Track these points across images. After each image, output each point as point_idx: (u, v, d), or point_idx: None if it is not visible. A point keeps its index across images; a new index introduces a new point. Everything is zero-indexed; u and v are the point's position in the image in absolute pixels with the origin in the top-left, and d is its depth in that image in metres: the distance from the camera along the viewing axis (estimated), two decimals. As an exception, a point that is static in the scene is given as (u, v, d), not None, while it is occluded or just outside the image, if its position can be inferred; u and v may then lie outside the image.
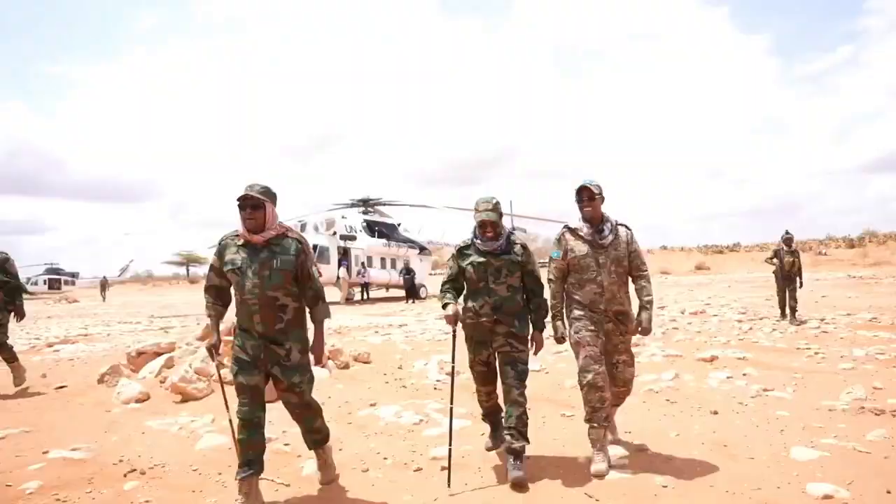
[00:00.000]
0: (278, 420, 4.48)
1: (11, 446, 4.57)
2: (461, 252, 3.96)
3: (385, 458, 4.23)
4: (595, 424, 3.79)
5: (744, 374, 6.50)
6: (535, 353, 4.00)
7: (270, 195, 3.45)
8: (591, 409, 3.79)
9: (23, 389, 6.61)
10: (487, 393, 4.08)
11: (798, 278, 11.54)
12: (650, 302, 3.92)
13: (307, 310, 3.60)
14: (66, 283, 50.66)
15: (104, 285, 38.16)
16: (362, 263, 24.59)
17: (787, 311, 11.40)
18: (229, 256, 3.43)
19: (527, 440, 3.74)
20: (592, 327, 3.83)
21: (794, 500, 3.30)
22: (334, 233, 23.58)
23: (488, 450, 4.15)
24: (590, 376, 3.77)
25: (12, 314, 6.81)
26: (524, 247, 3.92)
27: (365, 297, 24.97)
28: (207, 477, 3.94)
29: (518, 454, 3.67)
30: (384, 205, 27.47)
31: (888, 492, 3.35)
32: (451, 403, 3.85)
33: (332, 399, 5.85)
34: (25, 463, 4.15)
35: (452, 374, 3.95)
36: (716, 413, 5.00)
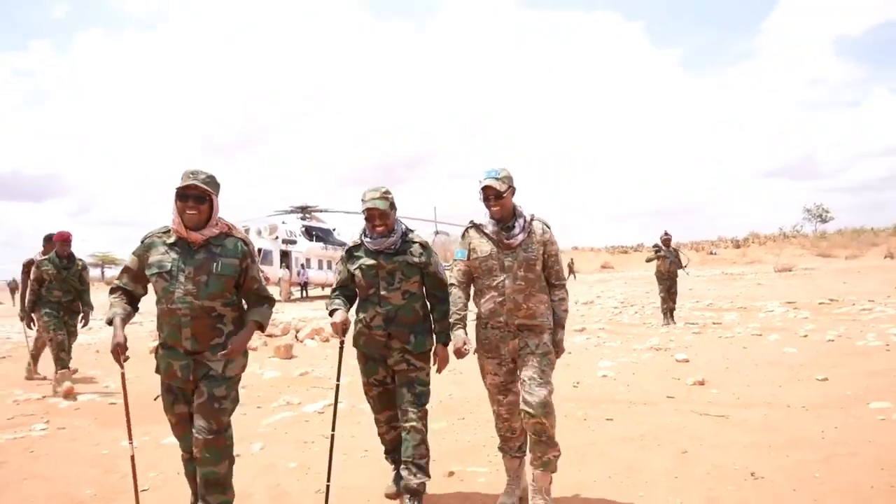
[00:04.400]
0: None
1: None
2: (350, 254, 3.42)
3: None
4: (507, 454, 3.33)
5: (598, 337, 9.71)
6: (439, 371, 3.41)
7: (215, 185, 2.90)
8: (501, 437, 3.33)
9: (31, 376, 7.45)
10: (387, 422, 3.45)
11: (675, 279, 11.54)
12: (565, 317, 3.31)
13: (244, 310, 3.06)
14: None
15: (14, 289, 31.97)
16: (302, 265, 26.90)
17: (669, 314, 11.34)
18: (155, 257, 2.87)
19: (427, 475, 3.23)
20: (493, 353, 3.24)
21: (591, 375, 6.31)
22: (276, 237, 25.79)
23: (388, 496, 3.46)
24: (495, 407, 3.30)
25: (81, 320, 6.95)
26: (424, 245, 3.37)
27: (304, 295, 27.28)
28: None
29: (416, 493, 3.18)
30: (320, 211, 29.86)
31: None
32: (333, 430, 3.20)
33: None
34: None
35: (336, 396, 3.27)
36: (569, 353, 8.08)
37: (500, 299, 3.19)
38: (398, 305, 3.29)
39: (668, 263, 11.46)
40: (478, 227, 3.32)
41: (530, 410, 3.02)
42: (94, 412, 5.84)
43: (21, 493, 3.78)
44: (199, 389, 2.85)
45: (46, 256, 6.77)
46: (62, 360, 6.61)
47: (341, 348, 3.39)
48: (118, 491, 3.71)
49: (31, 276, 6.80)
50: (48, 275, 6.69)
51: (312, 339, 9.76)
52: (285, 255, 26.08)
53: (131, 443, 2.89)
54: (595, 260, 52.34)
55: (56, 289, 6.72)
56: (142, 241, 2.97)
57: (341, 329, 3.21)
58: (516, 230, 3.21)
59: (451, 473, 3.83)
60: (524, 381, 3.11)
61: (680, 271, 11.77)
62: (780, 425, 4.47)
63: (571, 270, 36.21)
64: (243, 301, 3.06)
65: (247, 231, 25.89)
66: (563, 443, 3.18)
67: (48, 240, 6.98)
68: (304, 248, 27.23)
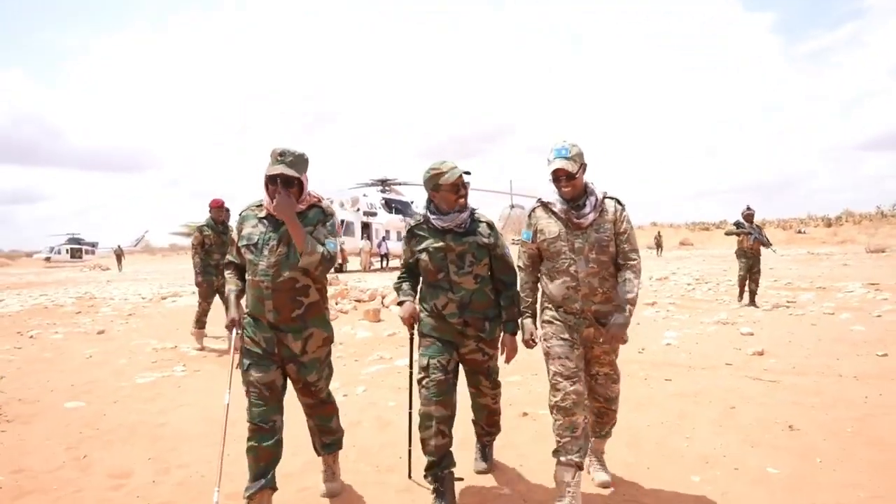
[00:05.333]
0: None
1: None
2: (413, 233, 3.21)
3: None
4: (562, 459, 2.90)
5: (667, 310, 10.08)
6: (507, 362, 3.24)
7: (304, 164, 2.90)
8: (558, 438, 2.93)
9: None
10: (439, 421, 3.02)
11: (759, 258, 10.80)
12: (632, 300, 2.98)
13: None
14: (87, 252, 53.90)
15: (119, 255, 39.72)
16: (382, 237, 28.07)
17: (747, 293, 10.70)
18: (247, 230, 2.96)
19: (499, 429, 3.55)
20: (565, 334, 3.01)
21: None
22: (358, 209, 27.02)
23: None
24: (558, 397, 2.94)
25: None
26: (491, 225, 3.17)
27: (384, 265, 28.50)
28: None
29: (487, 444, 3.53)
30: (399, 184, 30.89)
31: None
32: (410, 408, 3.38)
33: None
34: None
35: (410, 387, 3.31)
36: (637, 324, 8.55)
37: (574, 284, 2.98)
38: (471, 290, 3.10)
39: (751, 240, 10.66)
40: (545, 206, 3.10)
41: (603, 402, 3.19)
42: (223, 360, 6.89)
43: (179, 416, 4.74)
44: (292, 376, 3.01)
45: (206, 222, 7.30)
46: (201, 322, 7.47)
47: (412, 340, 3.33)
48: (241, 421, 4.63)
49: (193, 241, 7.41)
50: (209, 239, 7.26)
51: (397, 305, 10.63)
52: (366, 227, 27.29)
53: (229, 392, 3.03)
54: (675, 236, 51.25)
55: (215, 252, 7.27)
56: (239, 215, 3.09)
57: (410, 323, 3.18)
58: (587, 209, 2.99)
59: (525, 414, 4.52)
60: (600, 376, 3.13)
61: (765, 250, 10.88)
62: (827, 390, 4.88)
63: (659, 245, 35.91)
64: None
65: (329, 203, 27.32)
66: (623, 396, 3.50)
67: (211, 206, 7.43)
68: (384, 220, 28.37)
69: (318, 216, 2.97)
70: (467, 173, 3.13)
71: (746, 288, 10.74)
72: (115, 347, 7.66)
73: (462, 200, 3.10)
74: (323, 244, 2.88)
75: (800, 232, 47.88)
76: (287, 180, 2.86)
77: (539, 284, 3.19)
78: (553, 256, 3.05)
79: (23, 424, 4.48)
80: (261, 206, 3.01)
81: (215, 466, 3.13)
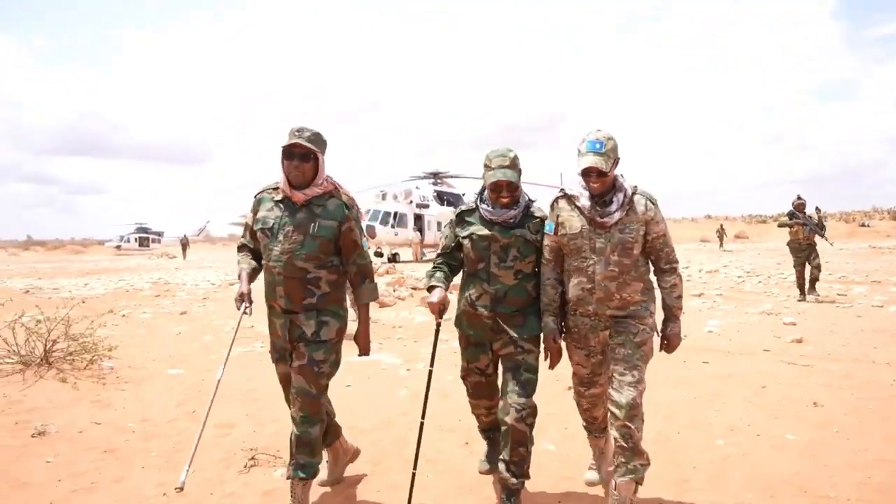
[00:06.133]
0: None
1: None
2: (461, 217, 3.10)
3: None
4: (591, 434, 3.22)
5: (713, 301, 10.34)
6: (552, 367, 3.06)
7: (321, 143, 2.89)
8: (585, 421, 3.18)
9: None
10: (487, 408, 3.27)
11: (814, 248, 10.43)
12: (680, 307, 2.94)
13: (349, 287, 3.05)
14: (154, 240, 56.64)
15: (185, 245, 40.80)
16: (434, 228, 28.79)
17: (807, 286, 10.28)
18: (262, 213, 2.93)
19: (527, 475, 2.99)
20: (582, 343, 2.95)
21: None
22: (410, 201, 27.77)
23: (482, 472, 3.39)
24: (575, 398, 3.13)
25: None
26: (545, 221, 3.01)
27: (436, 256, 29.27)
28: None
29: (514, 493, 2.98)
30: (451, 177, 31.49)
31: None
32: (423, 418, 3.02)
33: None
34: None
35: (429, 383, 3.06)
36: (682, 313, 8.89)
37: (589, 286, 2.82)
38: (508, 286, 2.96)
39: (806, 230, 10.29)
40: (569, 199, 2.90)
41: (616, 411, 2.71)
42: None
43: (265, 382, 5.42)
44: (299, 350, 2.87)
45: None
46: None
47: (437, 331, 3.05)
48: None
49: None
50: None
51: (451, 293, 11.27)
52: (418, 219, 28.01)
53: (224, 367, 3.01)
54: (730, 229, 50.14)
55: None
56: (254, 197, 3.04)
57: (438, 310, 2.97)
58: (613, 207, 2.79)
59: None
60: (613, 376, 2.80)
61: (820, 240, 10.54)
62: (857, 374, 5.20)
63: (721, 237, 35.28)
64: (344, 264, 3.01)
65: (384, 196, 28.18)
66: (660, 376, 3.74)
67: None
68: (435, 212, 29.01)
69: (340, 211, 2.90)
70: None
71: (807, 278, 10.32)
72: (199, 326, 8.51)
73: (505, 200, 2.94)
74: (367, 271, 3.05)
75: (863, 225, 46.26)
76: (304, 153, 2.83)
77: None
78: (572, 253, 2.88)
79: (136, 385, 5.25)
80: (277, 188, 2.95)
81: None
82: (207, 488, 3.29)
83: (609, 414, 2.79)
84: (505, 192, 2.92)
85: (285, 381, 3.06)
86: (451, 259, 3.14)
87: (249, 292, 3.00)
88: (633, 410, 2.71)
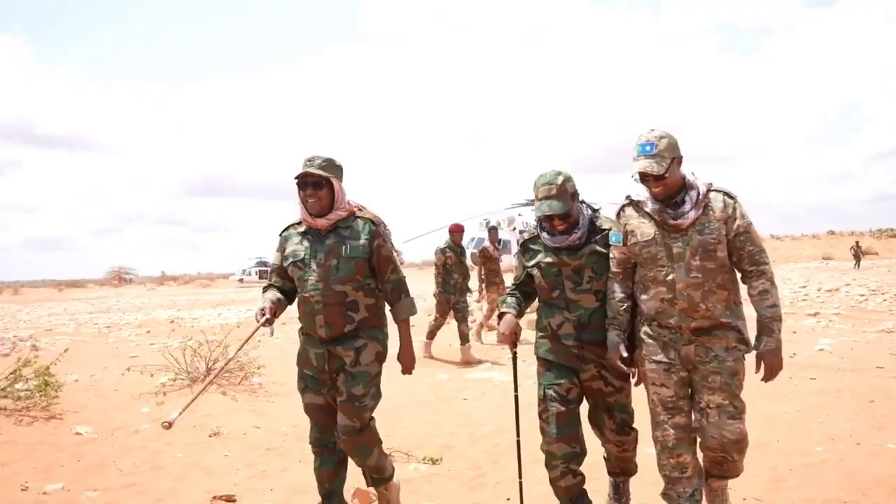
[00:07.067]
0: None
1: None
2: (525, 247, 2.94)
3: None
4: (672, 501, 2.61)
5: (829, 320, 10.06)
6: (637, 385, 2.80)
7: (335, 169, 2.88)
8: (666, 478, 2.62)
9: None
10: (564, 459, 2.72)
11: None
12: (777, 316, 2.52)
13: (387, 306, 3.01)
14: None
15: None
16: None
17: None
18: (291, 248, 2.93)
19: (630, 471, 2.91)
20: (659, 355, 2.59)
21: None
22: (514, 228, 28.42)
23: None
24: (658, 431, 2.62)
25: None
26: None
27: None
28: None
29: (619, 482, 2.89)
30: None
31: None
32: (518, 435, 2.93)
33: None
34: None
35: (517, 407, 2.91)
36: (794, 332, 8.76)
37: (670, 296, 2.53)
38: (591, 309, 2.73)
39: None
40: (636, 205, 2.67)
41: (718, 448, 2.49)
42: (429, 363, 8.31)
43: (392, 394, 6.08)
44: (339, 388, 2.84)
45: (447, 245, 7.91)
46: (432, 334, 8.08)
47: (514, 359, 2.93)
48: (437, 402, 5.84)
49: (437, 262, 8.04)
50: (450, 260, 7.88)
51: (497, 318, 11.66)
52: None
53: (236, 351, 3.35)
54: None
55: (455, 272, 7.89)
56: (279, 235, 3.05)
57: (510, 340, 2.81)
58: (686, 206, 2.52)
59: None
60: (710, 408, 2.48)
61: None
62: (976, 389, 5.12)
63: (857, 256, 30.04)
64: (380, 289, 3.00)
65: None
66: (760, 390, 3.81)
67: (451, 230, 8.13)
68: (537, 238, 29.46)
69: (368, 228, 2.91)
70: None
71: None
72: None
73: (561, 228, 2.72)
74: (402, 287, 3.02)
75: None
76: (316, 182, 2.84)
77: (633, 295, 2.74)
78: (646, 263, 2.60)
79: (283, 398, 6.07)
80: (300, 222, 2.97)
81: (421, 430, 4.33)
82: (354, 474, 3.92)
83: (705, 451, 2.57)
84: (556, 221, 2.73)
85: (310, 411, 3.01)
86: (525, 287, 2.98)
87: (268, 309, 2.89)
88: (740, 445, 2.51)
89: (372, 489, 3.53)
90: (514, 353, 2.92)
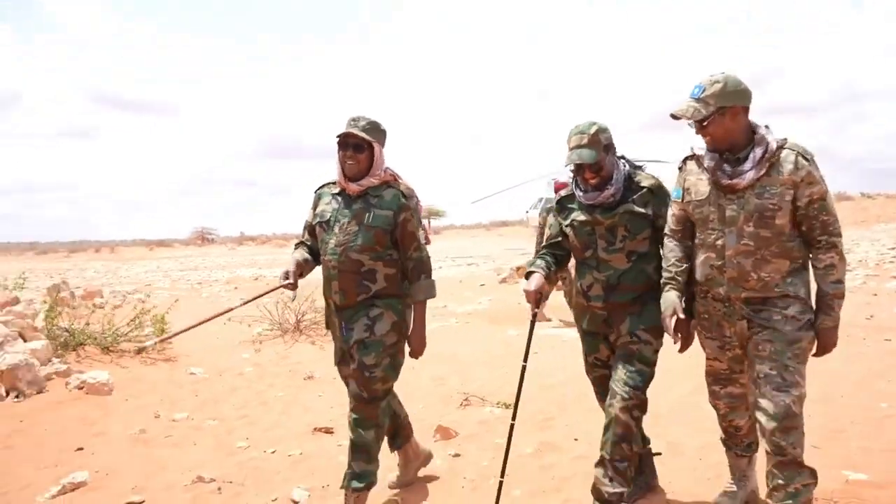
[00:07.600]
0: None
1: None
2: (562, 205, 2.83)
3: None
4: (735, 451, 2.69)
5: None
6: (682, 350, 2.59)
7: (378, 133, 2.79)
8: (724, 431, 2.69)
9: None
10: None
11: None
12: (840, 294, 2.32)
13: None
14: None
15: None
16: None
17: None
18: (321, 207, 2.89)
19: (627, 484, 2.61)
20: (713, 332, 2.50)
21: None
22: (582, 189, 28.04)
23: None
24: (712, 399, 2.64)
25: None
26: (654, 190, 2.64)
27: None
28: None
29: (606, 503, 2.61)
30: (623, 160, 31.09)
31: None
32: (513, 419, 2.83)
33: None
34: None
35: (521, 381, 2.84)
36: (875, 295, 8.56)
37: (719, 263, 2.36)
38: (622, 270, 2.65)
39: None
40: (698, 159, 2.45)
41: (765, 422, 2.25)
42: (489, 319, 8.70)
43: (464, 349, 6.51)
44: (352, 355, 2.77)
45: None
46: None
47: (532, 322, 2.82)
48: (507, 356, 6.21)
49: (540, 221, 7.73)
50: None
51: (524, 277, 11.84)
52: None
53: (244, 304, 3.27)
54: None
55: None
56: (314, 192, 2.99)
57: (534, 299, 2.72)
58: (747, 165, 2.27)
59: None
60: (758, 378, 2.30)
61: None
62: None
63: None
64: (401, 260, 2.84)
65: (555, 182, 28.48)
66: (833, 352, 3.15)
67: (556, 189, 8.21)
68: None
69: (396, 200, 2.78)
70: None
71: None
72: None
73: (593, 182, 2.63)
74: (424, 267, 2.85)
75: None
76: (358, 144, 2.73)
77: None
78: (700, 224, 2.43)
79: (366, 349, 6.60)
80: (335, 182, 2.91)
81: (494, 381, 4.70)
82: (436, 415, 4.35)
83: (757, 425, 2.33)
84: (587, 173, 2.62)
85: (345, 382, 2.95)
86: (557, 249, 2.89)
87: (293, 270, 2.84)
88: (788, 421, 2.23)
89: (452, 428, 3.96)
90: (534, 315, 2.83)
